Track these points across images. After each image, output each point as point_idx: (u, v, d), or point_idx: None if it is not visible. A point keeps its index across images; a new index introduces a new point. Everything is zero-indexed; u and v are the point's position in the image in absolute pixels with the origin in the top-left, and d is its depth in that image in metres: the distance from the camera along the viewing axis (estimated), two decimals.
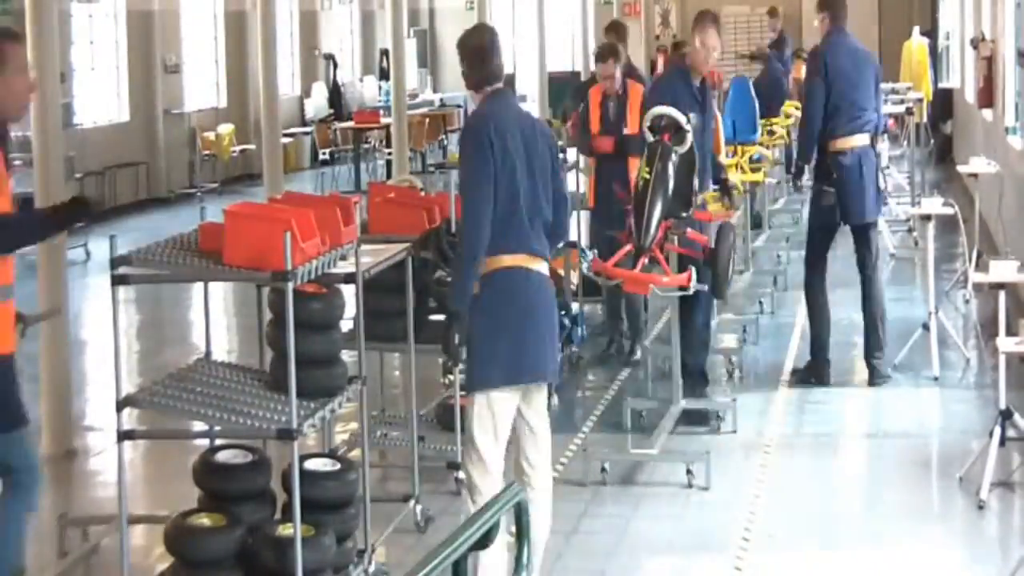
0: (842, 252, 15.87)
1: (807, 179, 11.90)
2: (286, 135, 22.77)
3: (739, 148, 14.17)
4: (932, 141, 22.29)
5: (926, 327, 10.68)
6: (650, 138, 8.86)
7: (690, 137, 8.74)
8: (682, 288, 8.57)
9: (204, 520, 6.10)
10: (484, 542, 4.40)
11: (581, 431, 9.50)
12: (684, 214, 8.85)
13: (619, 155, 10.95)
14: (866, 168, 10.45)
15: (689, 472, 8.36)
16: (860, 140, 10.42)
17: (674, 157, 8.68)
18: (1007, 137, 14.55)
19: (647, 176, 8.64)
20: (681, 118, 8.78)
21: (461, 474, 8.26)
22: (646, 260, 8.58)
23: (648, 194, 8.59)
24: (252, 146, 23.91)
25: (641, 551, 7.35)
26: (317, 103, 28.22)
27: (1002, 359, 8.20)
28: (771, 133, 16.08)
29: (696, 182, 8.91)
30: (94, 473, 9.31)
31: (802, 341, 11.85)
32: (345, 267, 6.64)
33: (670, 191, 8.60)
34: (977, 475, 8.06)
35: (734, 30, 32.32)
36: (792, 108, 17.46)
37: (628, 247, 8.62)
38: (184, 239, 6.36)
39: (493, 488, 6.18)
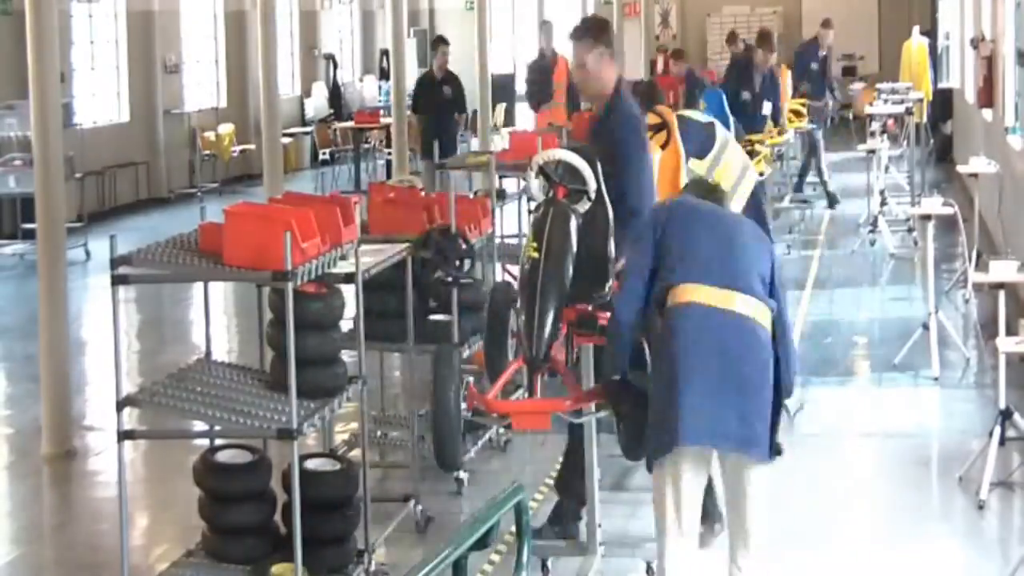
0: (842, 252, 15.91)
1: None
2: (286, 135, 22.75)
3: None
4: (932, 141, 22.28)
5: (926, 327, 10.68)
6: (536, 195, 6.65)
7: (592, 187, 6.48)
8: (599, 407, 6.40)
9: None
10: (484, 542, 4.41)
11: None
12: (599, 295, 6.48)
13: None
14: None
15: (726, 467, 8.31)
16: None
17: (575, 220, 6.37)
18: (1007, 137, 14.54)
19: (535, 255, 6.24)
20: (579, 163, 6.48)
21: (461, 474, 8.30)
22: (544, 376, 6.24)
23: (538, 281, 6.16)
24: (252, 146, 23.89)
25: (621, 565, 7.30)
26: (317, 103, 28.21)
27: (1002, 359, 8.20)
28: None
29: (613, 246, 6.57)
30: (94, 473, 9.31)
31: (802, 341, 11.86)
32: (345, 267, 6.65)
33: (569, 272, 6.24)
34: (977, 475, 8.06)
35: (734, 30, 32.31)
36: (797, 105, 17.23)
37: (516, 362, 6.28)
38: (184, 239, 6.37)
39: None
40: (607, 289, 6.54)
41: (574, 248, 6.27)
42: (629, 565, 7.15)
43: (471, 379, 6.35)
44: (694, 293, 5.55)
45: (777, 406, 5.62)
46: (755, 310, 5.56)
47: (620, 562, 7.16)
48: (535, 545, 7.03)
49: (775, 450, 5.63)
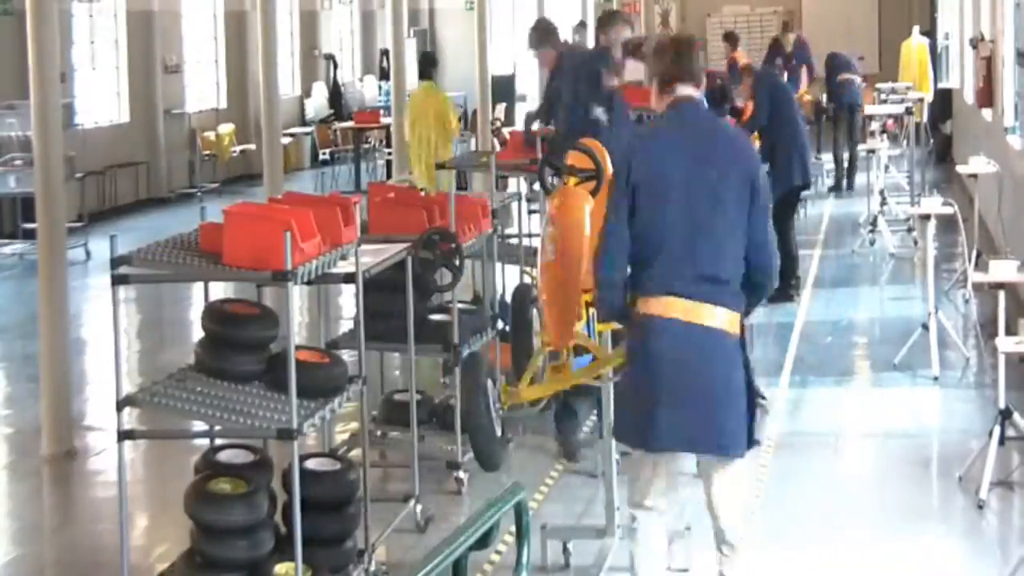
0: (842, 252, 15.91)
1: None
2: (286, 135, 22.76)
3: None
4: (932, 141, 22.30)
5: (926, 327, 10.68)
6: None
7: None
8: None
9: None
10: (484, 542, 4.41)
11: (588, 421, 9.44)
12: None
13: None
14: None
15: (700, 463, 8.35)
16: None
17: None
18: (1007, 137, 14.54)
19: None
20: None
21: (461, 474, 8.30)
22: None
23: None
24: (252, 146, 23.89)
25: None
26: (317, 103, 28.20)
27: (1002, 359, 8.20)
28: None
29: None
30: (94, 473, 9.31)
31: (802, 341, 11.86)
32: (345, 267, 6.65)
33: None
34: (977, 475, 8.06)
35: (734, 30, 32.30)
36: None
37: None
38: (184, 239, 6.37)
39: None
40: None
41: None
42: None
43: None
44: (665, 307, 5.66)
45: (752, 402, 5.75)
46: (723, 321, 5.68)
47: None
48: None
49: (752, 443, 5.82)
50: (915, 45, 24.30)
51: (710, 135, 5.83)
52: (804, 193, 14.39)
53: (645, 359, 5.69)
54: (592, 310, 6.72)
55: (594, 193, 6.64)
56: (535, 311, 6.76)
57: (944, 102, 23.95)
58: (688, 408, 5.63)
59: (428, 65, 16.49)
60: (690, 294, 5.63)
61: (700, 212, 5.65)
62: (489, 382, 6.39)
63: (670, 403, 5.62)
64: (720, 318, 5.65)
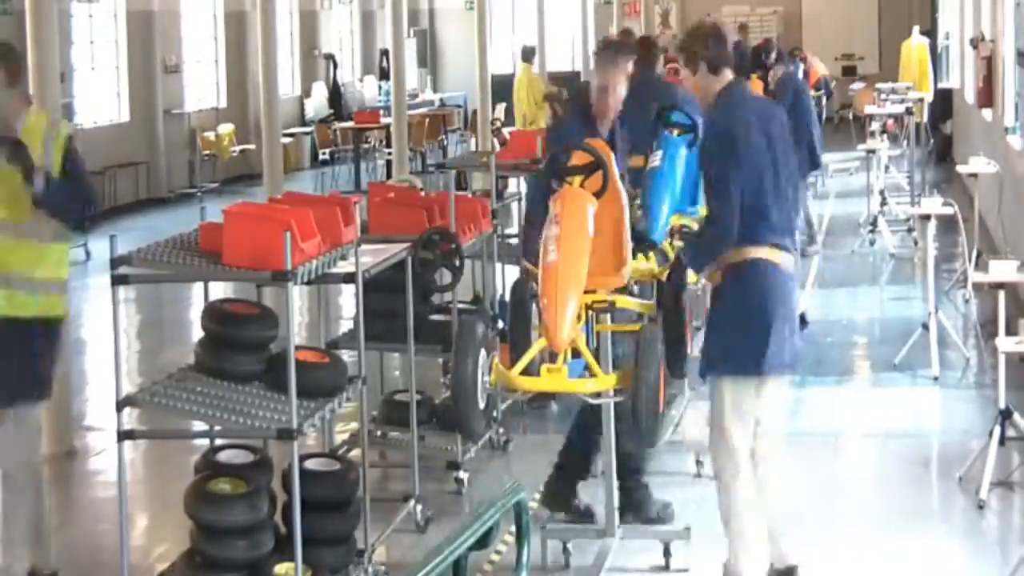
0: (842, 252, 15.91)
1: None
2: (286, 135, 22.77)
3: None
4: (932, 141, 22.30)
5: (926, 327, 10.68)
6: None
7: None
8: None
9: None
10: (484, 542, 4.42)
11: None
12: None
13: None
14: None
15: (699, 463, 8.39)
16: None
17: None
18: (1007, 137, 14.54)
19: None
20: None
21: (461, 474, 8.30)
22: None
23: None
24: (252, 146, 23.90)
25: (639, 546, 7.34)
26: (317, 103, 28.21)
27: (1002, 359, 8.21)
28: None
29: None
30: (94, 473, 9.31)
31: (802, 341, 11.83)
32: (345, 267, 6.65)
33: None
34: (977, 475, 8.06)
35: (734, 30, 32.30)
36: None
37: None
38: (184, 239, 6.37)
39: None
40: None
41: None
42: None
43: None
44: (768, 254, 6.62)
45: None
46: (792, 264, 6.75)
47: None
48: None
49: None
50: (915, 45, 24.30)
51: (766, 108, 6.98)
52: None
53: (755, 295, 6.63)
54: (591, 312, 6.72)
55: (599, 194, 6.58)
56: (534, 307, 6.75)
57: (944, 102, 23.95)
58: (785, 334, 6.66)
59: (528, 53, 22.35)
60: (780, 245, 6.65)
61: (778, 174, 6.66)
62: (483, 352, 6.38)
63: (778, 330, 6.61)
64: (791, 263, 6.74)
